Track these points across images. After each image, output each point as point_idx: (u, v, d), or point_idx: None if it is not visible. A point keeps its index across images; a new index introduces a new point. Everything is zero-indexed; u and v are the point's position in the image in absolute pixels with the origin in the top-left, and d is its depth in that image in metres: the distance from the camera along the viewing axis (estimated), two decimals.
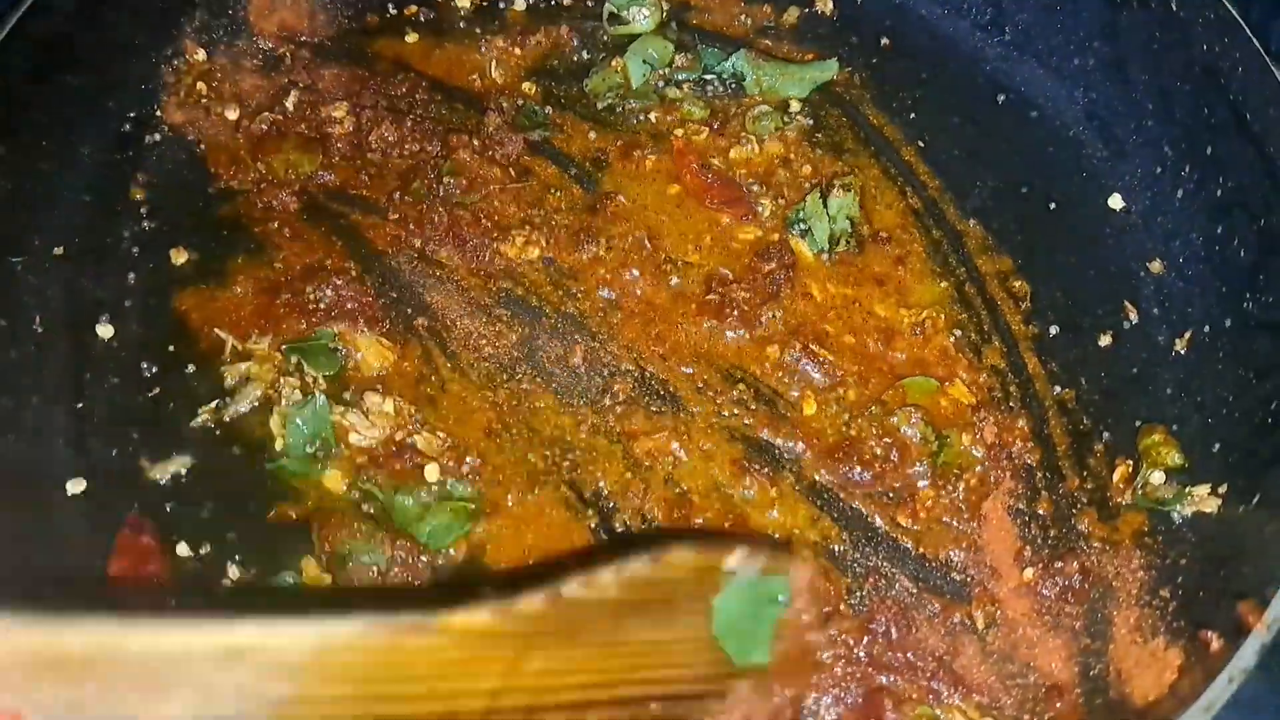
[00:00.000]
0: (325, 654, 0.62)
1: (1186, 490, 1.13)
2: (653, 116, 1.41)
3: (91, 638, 0.50)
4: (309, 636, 0.61)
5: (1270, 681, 1.03)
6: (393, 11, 1.50)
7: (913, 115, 1.44)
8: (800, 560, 0.97)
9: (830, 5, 1.53)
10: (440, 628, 0.69)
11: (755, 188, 1.35)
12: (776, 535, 1.10)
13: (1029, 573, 1.11)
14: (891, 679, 1.05)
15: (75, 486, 1.11)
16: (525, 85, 1.44)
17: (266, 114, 1.36)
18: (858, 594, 1.10)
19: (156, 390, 1.18)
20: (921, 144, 1.42)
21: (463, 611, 0.71)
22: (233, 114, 1.37)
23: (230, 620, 0.58)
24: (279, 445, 1.15)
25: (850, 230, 1.31)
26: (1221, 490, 1.11)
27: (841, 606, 1.08)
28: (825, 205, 1.31)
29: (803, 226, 1.30)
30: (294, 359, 1.19)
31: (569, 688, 0.78)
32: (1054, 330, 1.27)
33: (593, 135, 1.40)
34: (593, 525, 1.12)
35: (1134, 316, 1.28)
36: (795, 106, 1.43)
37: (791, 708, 0.97)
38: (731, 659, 0.89)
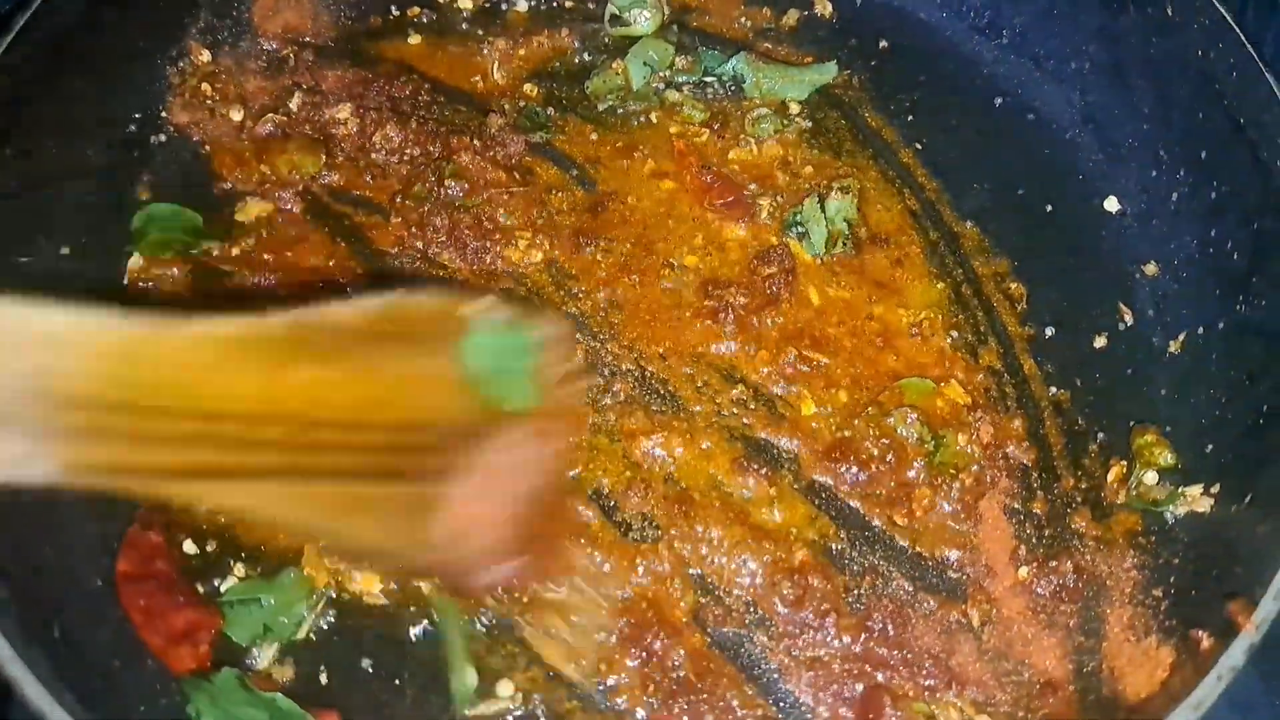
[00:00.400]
0: (95, 345, 0.66)
1: (1179, 490, 1.14)
2: (653, 118, 1.42)
3: None
4: (79, 325, 0.66)
5: (1262, 679, 1.06)
6: (395, 13, 1.51)
7: (911, 118, 1.46)
8: (547, 316, 1.03)
9: (829, 8, 1.55)
10: (192, 333, 0.73)
11: (753, 189, 1.36)
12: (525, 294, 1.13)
13: (1024, 571, 1.12)
14: (888, 676, 1.07)
15: None
16: (527, 87, 1.45)
17: (270, 115, 1.38)
18: (855, 592, 1.11)
19: None
20: (919, 146, 1.43)
21: (212, 321, 0.75)
22: (237, 115, 1.39)
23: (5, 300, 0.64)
24: None
25: (848, 233, 1.32)
26: (1214, 490, 1.12)
27: (840, 604, 1.09)
28: (823, 208, 1.32)
29: (800, 229, 1.32)
30: None
31: (332, 407, 0.81)
32: (1049, 332, 1.28)
33: (594, 137, 1.41)
34: (594, 523, 1.14)
35: (1129, 318, 1.29)
36: (794, 109, 1.45)
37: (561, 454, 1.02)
38: (493, 401, 0.93)
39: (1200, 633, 0.95)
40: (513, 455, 0.94)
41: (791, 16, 1.54)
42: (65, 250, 1.24)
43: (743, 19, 1.53)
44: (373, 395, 0.85)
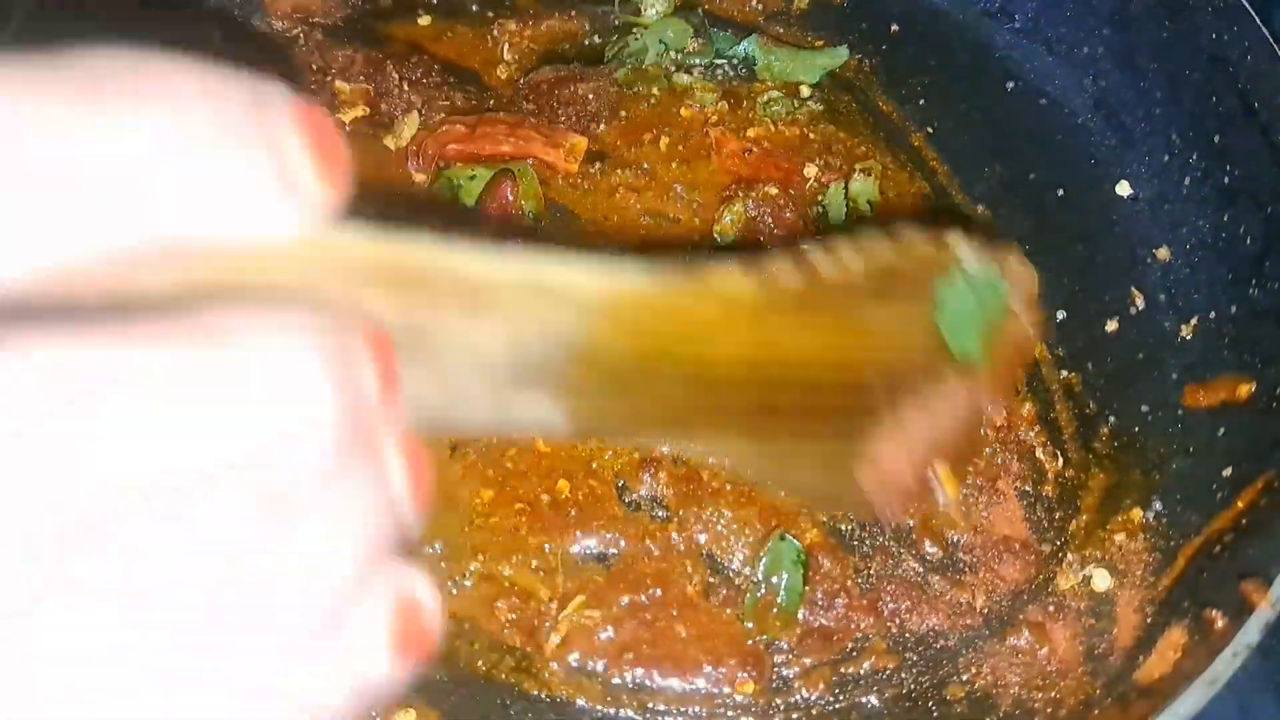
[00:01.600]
0: (616, 302, 0.62)
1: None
2: (662, 97, 1.42)
3: (421, 254, 0.51)
4: (604, 282, 0.61)
5: (1266, 659, 1.06)
6: None
7: (922, 102, 1.45)
8: (1019, 265, 0.89)
9: None
10: (708, 290, 0.68)
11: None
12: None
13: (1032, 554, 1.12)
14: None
15: None
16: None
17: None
18: (865, 573, 1.11)
19: None
20: (930, 130, 1.43)
21: (728, 276, 0.70)
22: None
23: (534, 255, 0.57)
24: None
25: (871, 214, 1.32)
26: (1226, 474, 1.12)
27: (849, 584, 1.09)
28: (846, 190, 1.32)
29: (820, 209, 1.31)
30: None
31: (805, 364, 0.77)
32: (1061, 315, 1.28)
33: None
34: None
35: (1140, 302, 1.29)
36: (805, 92, 1.44)
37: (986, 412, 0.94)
38: (949, 348, 0.85)
39: (1214, 612, 0.95)
40: (948, 407, 0.90)
41: (803, 0, 1.53)
42: None
43: (755, 2, 1.53)
44: (847, 344, 0.79)
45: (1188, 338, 1.25)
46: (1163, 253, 1.31)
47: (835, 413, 0.81)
